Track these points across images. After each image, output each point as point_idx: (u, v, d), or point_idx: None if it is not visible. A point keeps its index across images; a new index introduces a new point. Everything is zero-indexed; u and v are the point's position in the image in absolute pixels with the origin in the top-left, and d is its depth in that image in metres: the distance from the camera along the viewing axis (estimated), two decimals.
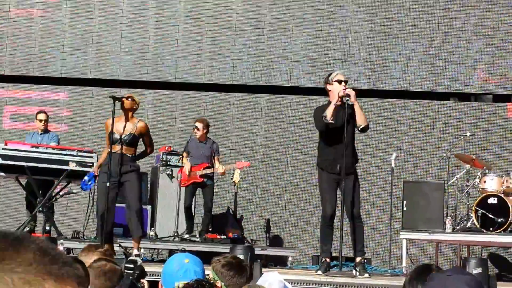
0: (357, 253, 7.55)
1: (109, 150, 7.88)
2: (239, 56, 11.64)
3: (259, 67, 11.60)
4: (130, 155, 7.93)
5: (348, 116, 7.41)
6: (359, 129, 7.47)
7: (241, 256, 6.59)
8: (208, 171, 9.71)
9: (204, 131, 9.82)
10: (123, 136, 7.82)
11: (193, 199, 9.92)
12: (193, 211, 9.93)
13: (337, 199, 7.58)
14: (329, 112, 7.40)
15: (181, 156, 9.86)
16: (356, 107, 7.41)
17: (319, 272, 7.51)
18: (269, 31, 11.63)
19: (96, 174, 8.43)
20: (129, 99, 7.92)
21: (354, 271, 7.49)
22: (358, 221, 7.54)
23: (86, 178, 8.61)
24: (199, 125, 9.80)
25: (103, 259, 3.74)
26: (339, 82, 7.50)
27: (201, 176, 9.70)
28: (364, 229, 7.67)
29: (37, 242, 0.87)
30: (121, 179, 7.81)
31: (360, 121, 7.42)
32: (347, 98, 7.42)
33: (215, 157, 9.84)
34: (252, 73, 11.61)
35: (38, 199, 9.27)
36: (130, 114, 7.94)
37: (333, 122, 7.40)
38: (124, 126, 7.87)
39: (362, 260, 7.55)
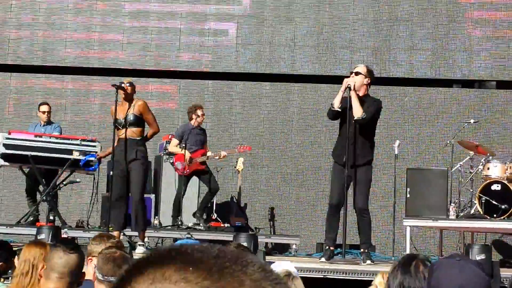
0: (361, 245, 7.57)
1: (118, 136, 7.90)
2: (242, 45, 11.62)
3: (262, 55, 11.58)
4: (138, 138, 7.89)
5: (350, 108, 7.40)
6: (353, 121, 7.41)
7: (245, 244, 6.60)
8: (204, 158, 9.71)
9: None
10: (124, 117, 7.81)
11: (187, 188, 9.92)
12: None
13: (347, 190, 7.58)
14: (336, 100, 7.41)
15: (179, 145, 9.79)
16: (353, 99, 7.37)
17: (322, 259, 7.52)
18: (272, 19, 11.60)
19: (99, 156, 8.53)
20: (131, 86, 7.95)
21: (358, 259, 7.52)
22: (364, 214, 7.53)
23: (87, 157, 8.68)
24: (202, 111, 9.79)
25: (114, 247, 3.77)
26: (351, 73, 7.55)
27: (201, 163, 9.70)
28: (370, 222, 7.64)
29: (257, 260, 0.93)
30: (127, 167, 7.81)
31: (354, 113, 7.38)
32: (349, 87, 7.41)
33: (206, 144, 9.89)
34: (255, 62, 11.60)
35: (42, 188, 9.30)
36: (131, 98, 7.97)
37: (339, 110, 7.39)
38: (126, 109, 7.87)
39: (366, 250, 7.56)
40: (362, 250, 7.55)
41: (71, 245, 3.42)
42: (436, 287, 2.28)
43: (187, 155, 9.63)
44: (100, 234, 4.37)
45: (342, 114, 7.46)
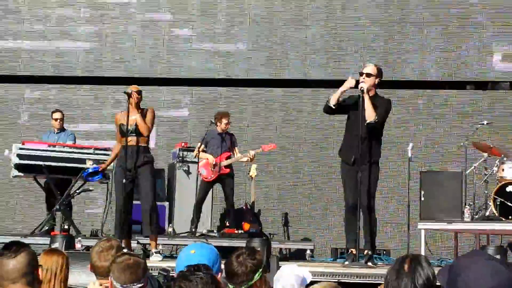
0: (365, 245, 7.52)
1: (121, 144, 7.92)
2: (253, 50, 11.62)
3: (273, 61, 11.58)
4: (145, 145, 7.96)
5: (362, 109, 7.38)
6: (365, 124, 7.39)
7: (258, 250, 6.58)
8: (233, 160, 9.71)
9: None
10: (133, 126, 7.82)
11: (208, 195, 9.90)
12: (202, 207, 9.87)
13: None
14: (333, 97, 7.45)
15: (197, 151, 9.80)
16: (366, 103, 7.37)
17: (347, 263, 7.45)
18: (282, 24, 11.60)
19: (102, 168, 8.57)
20: (139, 94, 7.95)
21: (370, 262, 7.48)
22: (372, 214, 7.51)
23: (90, 169, 8.73)
24: (227, 120, 9.77)
25: (126, 254, 3.75)
26: (361, 74, 7.53)
27: (225, 166, 9.69)
28: (375, 222, 7.60)
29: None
30: (136, 172, 7.82)
31: (367, 116, 7.37)
32: (362, 90, 7.40)
33: (235, 148, 9.85)
34: (266, 67, 11.60)
35: (57, 198, 9.33)
36: (136, 106, 7.97)
37: (334, 107, 7.41)
38: (134, 118, 7.88)
39: (369, 252, 7.50)
40: (366, 251, 7.49)
41: (14, 247, 3.37)
42: None
43: (211, 158, 9.62)
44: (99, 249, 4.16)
45: (353, 113, 7.46)
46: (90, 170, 8.78)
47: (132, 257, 3.62)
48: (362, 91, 7.38)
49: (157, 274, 4.26)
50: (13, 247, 3.32)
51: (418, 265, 2.70)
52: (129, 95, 7.87)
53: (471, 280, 2.19)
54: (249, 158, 9.65)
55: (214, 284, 2.91)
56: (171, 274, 4.28)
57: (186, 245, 9.59)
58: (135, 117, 7.87)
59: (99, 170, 8.73)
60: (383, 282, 2.97)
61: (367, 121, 7.35)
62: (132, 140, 7.85)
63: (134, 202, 8.05)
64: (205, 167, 9.69)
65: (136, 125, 7.85)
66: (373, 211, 7.55)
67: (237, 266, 3.66)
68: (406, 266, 2.70)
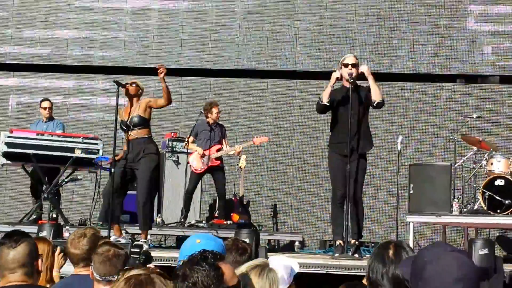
0: (353, 236, 7.51)
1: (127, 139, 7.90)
2: (243, 41, 11.59)
3: (263, 52, 11.55)
4: (145, 137, 7.84)
5: (354, 98, 7.35)
6: (374, 104, 7.38)
7: (246, 241, 6.57)
8: (222, 152, 9.68)
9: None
10: (130, 118, 7.78)
11: (198, 185, 9.87)
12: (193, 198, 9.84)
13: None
14: (324, 95, 7.45)
15: (186, 142, 9.77)
16: (370, 82, 7.36)
17: (336, 255, 7.44)
18: (273, 15, 11.57)
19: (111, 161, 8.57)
20: (133, 85, 7.92)
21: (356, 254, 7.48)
22: (360, 203, 7.50)
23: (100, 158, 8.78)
24: (217, 110, 9.72)
25: (107, 244, 3.71)
26: (346, 65, 7.47)
27: (216, 158, 9.66)
28: (362, 213, 7.59)
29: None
30: (134, 166, 7.77)
31: (374, 96, 7.36)
32: (352, 78, 7.36)
33: (224, 140, 9.82)
34: (256, 58, 11.57)
35: (44, 187, 9.29)
36: (135, 99, 7.94)
37: (328, 104, 7.41)
38: (130, 111, 7.87)
39: (356, 243, 7.50)
40: (353, 241, 7.48)
41: (16, 237, 3.35)
42: (429, 281, 2.22)
43: (200, 151, 9.58)
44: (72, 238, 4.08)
45: (341, 105, 7.44)
46: (101, 159, 8.80)
47: (112, 248, 3.59)
48: (353, 79, 7.35)
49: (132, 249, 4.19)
50: (14, 237, 3.30)
51: (402, 250, 2.72)
52: (119, 85, 7.82)
53: (438, 272, 2.21)
54: (236, 152, 9.63)
55: (216, 277, 2.87)
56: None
57: (175, 235, 9.59)
58: (133, 110, 7.82)
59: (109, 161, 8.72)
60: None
61: (376, 101, 7.34)
62: (131, 134, 7.80)
63: (128, 192, 8.07)
64: (195, 159, 9.65)
65: (131, 119, 7.78)
66: (361, 202, 7.54)
67: (238, 250, 3.72)
68: (391, 252, 2.71)
